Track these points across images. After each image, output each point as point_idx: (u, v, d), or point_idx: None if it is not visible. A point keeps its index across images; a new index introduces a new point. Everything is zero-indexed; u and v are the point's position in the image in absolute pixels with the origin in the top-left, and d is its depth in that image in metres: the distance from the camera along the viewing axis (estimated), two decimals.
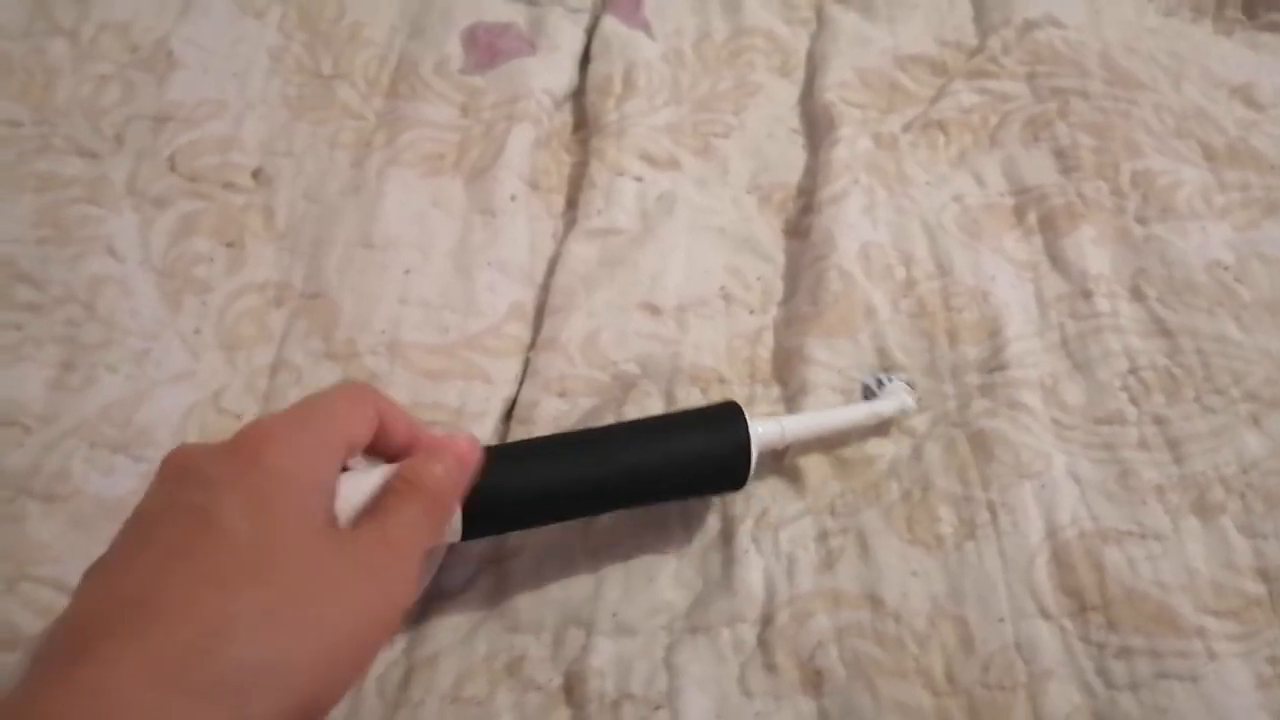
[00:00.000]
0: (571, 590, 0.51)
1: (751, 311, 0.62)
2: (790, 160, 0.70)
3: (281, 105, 0.70)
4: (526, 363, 0.60)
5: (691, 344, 0.60)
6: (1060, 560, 0.51)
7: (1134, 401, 0.56)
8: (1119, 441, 0.55)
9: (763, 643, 0.49)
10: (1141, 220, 0.64)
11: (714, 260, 0.64)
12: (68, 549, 0.51)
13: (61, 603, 0.45)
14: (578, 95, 0.74)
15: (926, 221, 0.65)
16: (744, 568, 0.51)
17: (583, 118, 0.73)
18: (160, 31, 0.71)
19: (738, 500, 0.54)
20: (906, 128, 0.70)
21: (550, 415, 0.57)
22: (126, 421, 0.55)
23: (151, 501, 0.38)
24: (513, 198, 0.66)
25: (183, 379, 0.58)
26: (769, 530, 0.53)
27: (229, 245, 0.63)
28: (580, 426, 0.56)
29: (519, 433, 0.57)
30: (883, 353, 0.59)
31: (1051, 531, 0.52)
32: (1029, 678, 0.48)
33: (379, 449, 0.44)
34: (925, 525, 0.53)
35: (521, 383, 0.59)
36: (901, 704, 0.47)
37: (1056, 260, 0.63)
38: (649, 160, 0.68)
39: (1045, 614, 0.49)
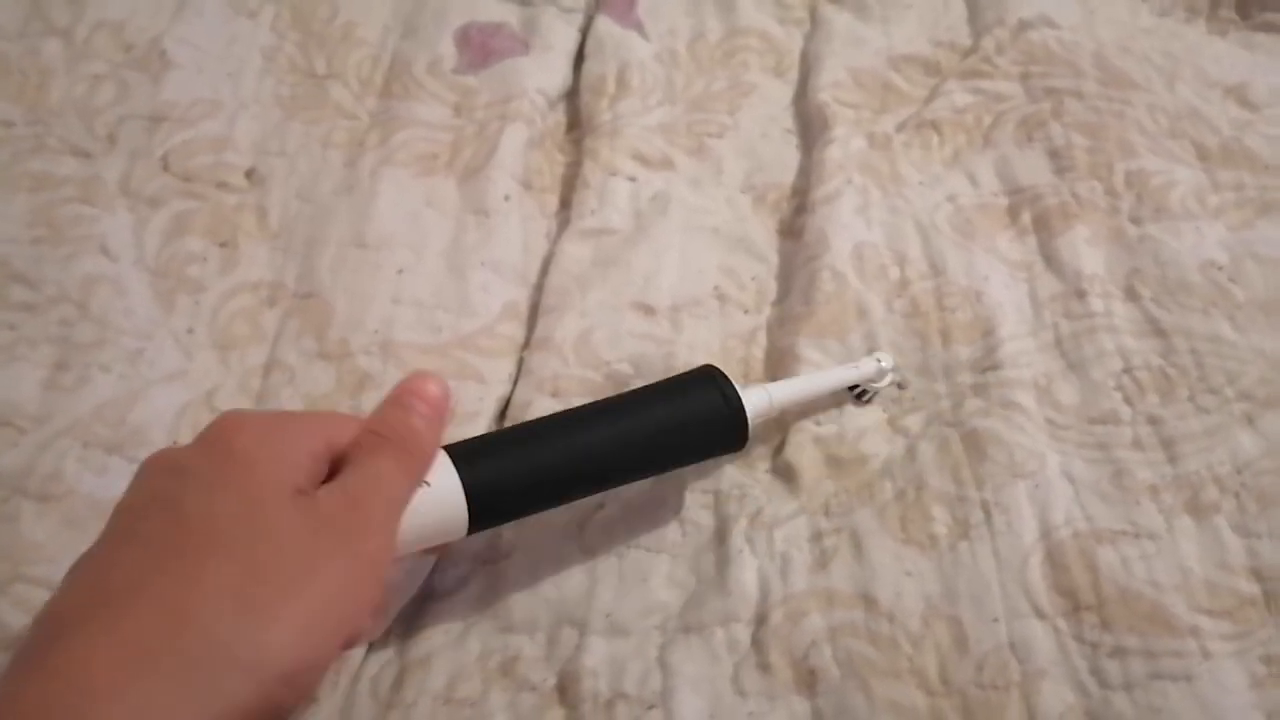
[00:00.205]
0: (565, 590, 0.51)
1: (746, 311, 0.62)
2: (784, 160, 0.70)
3: (275, 105, 0.70)
4: (520, 362, 0.60)
5: (685, 344, 0.60)
6: (1054, 560, 0.51)
7: (1128, 401, 0.57)
8: (1113, 441, 0.55)
9: (756, 642, 0.49)
10: (1135, 220, 0.64)
11: (708, 260, 0.64)
12: (61, 549, 0.51)
13: None
14: (571, 95, 0.74)
15: (920, 221, 0.65)
16: (738, 567, 0.51)
17: (576, 117, 0.72)
18: (154, 31, 0.71)
19: (731, 500, 0.54)
20: (900, 128, 0.70)
21: (544, 415, 0.57)
22: (120, 421, 0.55)
23: (128, 497, 0.39)
24: (506, 198, 0.65)
25: (176, 379, 0.58)
26: (763, 530, 0.53)
27: (222, 245, 0.63)
28: None
29: None
30: (875, 353, 0.59)
31: (1045, 531, 0.52)
32: (1023, 677, 0.48)
33: None
34: (919, 525, 0.53)
35: (515, 382, 0.59)
36: (895, 704, 0.47)
37: (1050, 260, 0.63)
38: (643, 160, 0.68)
39: (1039, 614, 0.49)
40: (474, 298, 0.61)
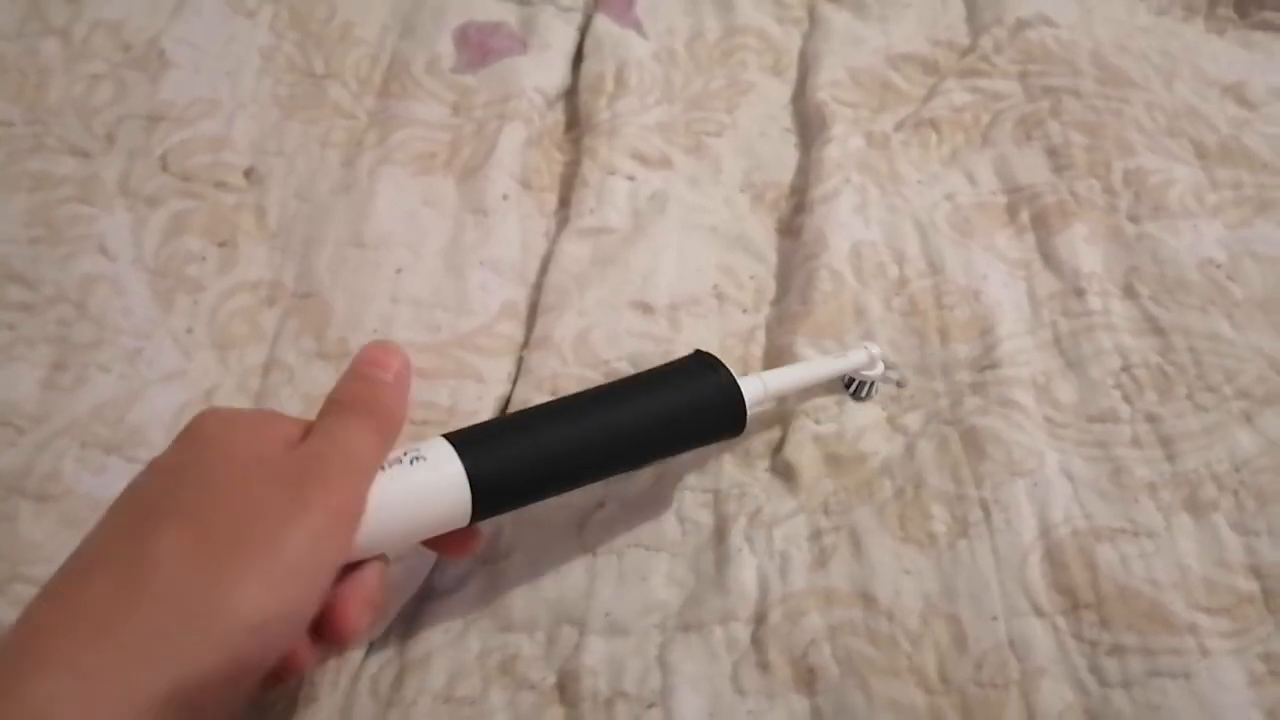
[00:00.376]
0: (564, 589, 0.51)
1: (744, 310, 0.63)
2: (783, 159, 0.70)
3: (273, 104, 0.70)
4: (519, 361, 0.60)
5: (684, 342, 0.60)
6: (1053, 558, 0.51)
7: (1126, 399, 0.57)
8: (1111, 439, 0.55)
9: (756, 641, 0.49)
10: (1134, 218, 0.64)
11: (706, 259, 0.64)
12: (60, 549, 0.50)
13: None
14: (570, 94, 0.74)
15: (918, 220, 0.65)
16: (737, 566, 0.51)
17: (575, 117, 0.72)
18: (152, 31, 0.71)
19: (731, 498, 0.54)
20: (898, 127, 0.70)
21: (543, 402, 0.57)
22: (118, 421, 0.55)
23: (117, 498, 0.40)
24: (505, 197, 0.65)
25: (174, 378, 0.58)
26: (762, 528, 0.53)
27: (221, 244, 0.63)
28: None
29: None
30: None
31: (1044, 529, 0.52)
32: (1022, 675, 0.48)
33: None
34: (918, 523, 0.53)
35: (514, 382, 0.59)
36: (894, 702, 0.47)
37: (1049, 258, 0.63)
38: (641, 159, 0.68)
39: (1038, 612, 0.49)
40: (473, 297, 0.61)
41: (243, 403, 0.57)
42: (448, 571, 0.52)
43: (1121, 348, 0.58)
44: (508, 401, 0.58)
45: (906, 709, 0.47)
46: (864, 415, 0.57)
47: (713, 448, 0.55)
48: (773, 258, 0.65)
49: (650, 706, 0.47)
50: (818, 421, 0.56)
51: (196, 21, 0.73)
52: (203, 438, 0.40)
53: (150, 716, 0.32)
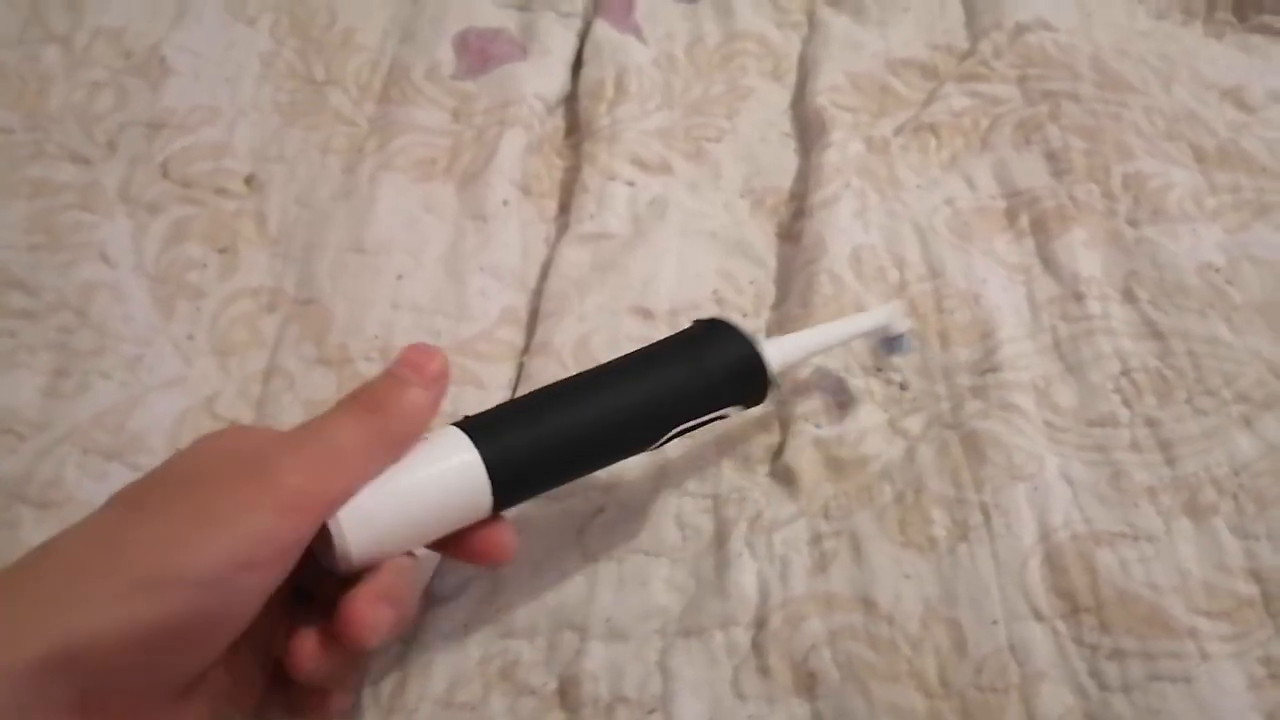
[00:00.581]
0: (565, 594, 0.51)
1: (744, 315, 0.63)
2: (782, 164, 0.70)
3: (273, 111, 0.70)
4: (519, 367, 0.60)
5: None
6: (1053, 562, 0.51)
7: (1126, 403, 0.57)
8: (1111, 443, 0.55)
9: (756, 646, 0.49)
10: (1133, 223, 0.64)
11: (706, 264, 0.64)
12: None
13: None
14: (570, 100, 0.74)
15: (918, 224, 0.65)
16: (737, 571, 0.51)
17: (575, 122, 0.73)
18: (153, 38, 0.72)
19: (730, 503, 0.54)
20: (898, 131, 0.70)
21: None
22: (119, 428, 0.55)
23: None
24: (505, 203, 0.66)
25: (175, 385, 0.58)
26: (762, 533, 0.53)
27: (222, 251, 0.63)
28: None
29: None
30: (875, 354, 0.59)
31: (1044, 534, 0.52)
32: (1022, 680, 0.48)
33: None
34: (918, 528, 0.53)
35: (514, 388, 0.59)
36: (895, 706, 0.47)
37: (1048, 263, 0.63)
38: (641, 165, 0.68)
39: (1038, 616, 0.50)
40: (473, 303, 0.61)
41: (244, 409, 0.57)
42: (448, 577, 0.52)
43: (1121, 352, 0.58)
44: None
45: (907, 713, 0.47)
46: (865, 419, 0.57)
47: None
48: (773, 262, 0.65)
49: (651, 712, 0.47)
50: (818, 425, 0.56)
51: (197, 28, 0.73)
52: (195, 442, 0.40)
53: (34, 679, 0.31)
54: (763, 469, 0.56)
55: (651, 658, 0.49)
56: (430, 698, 0.48)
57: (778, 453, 0.56)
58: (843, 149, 0.68)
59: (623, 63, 0.73)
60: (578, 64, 0.75)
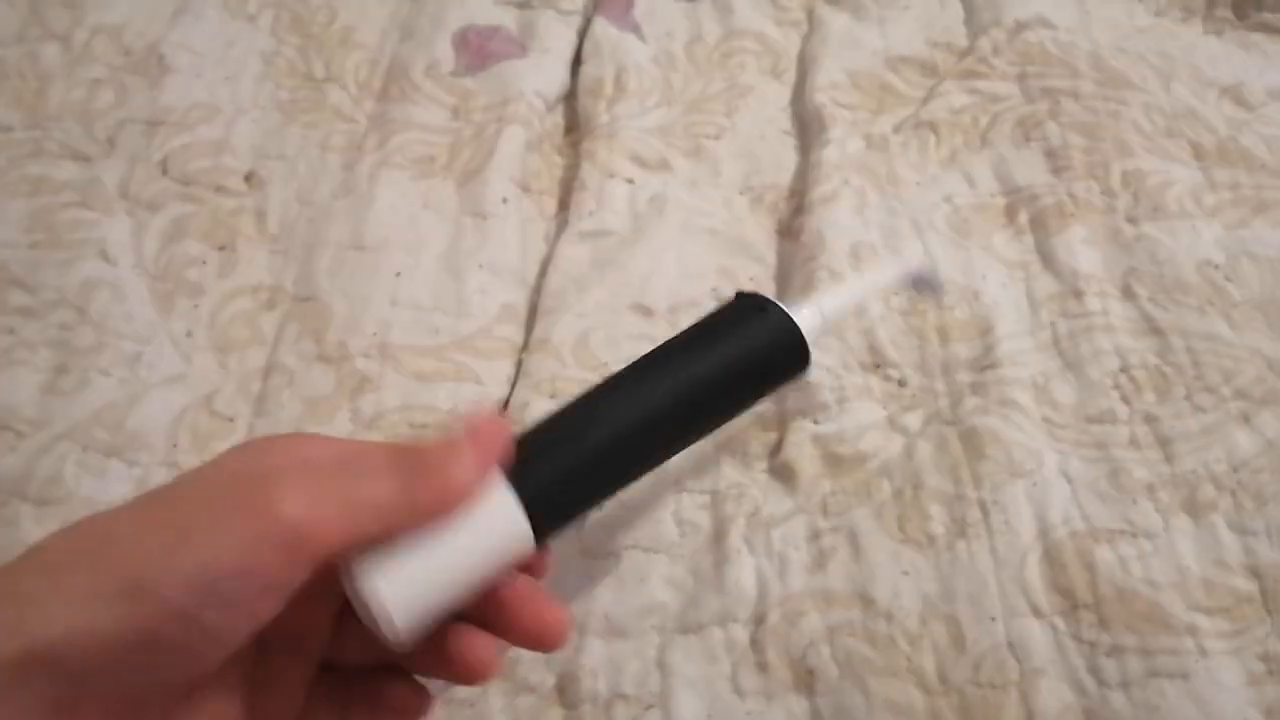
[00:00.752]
0: (563, 591, 0.51)
1: None
2: (782, 161, 0.70)
3: (273, 109, 0.70)
4: (518, 364, 0.60)
5: None
6: (1052, 559, 0.51)
7: (1125, 400, 0.57)
8: (1110, 440, 0.55)
9: (754, 642, 0.49)
10: (1132, 220, 0.64)
11: (706, 261, 0.64)
12: None
13: None
14: (569, 98, 0.74)
15: (917, 222, 0.65)
16: (736, 567, 0.51)
17: (574, 120, 0.73)
18: (152, 36, 0.72)
19: (729, 499, 0.54)
20: (897, 129, 0.70)
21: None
22: (119, 425, 0.55)
23: None
24: (504, 200, 0.66)
25: (175, 382, 0.58)
26: (761, 529, 0.53)
27: (221, 248, 0.63)
28: None
29: None
30: (874, 349, 0.59)
31: (1043, 530, 0.52)
32: (1020, 676, 0.48)
33: None
34: (917, 524, 0.53)
35: (513, 385, 0.59)
36: (893, 703, 0.47)
37: (1047, 260, 0.63)
38: (640, 162, 0.68)
39: (1037, 612, 0.50)
40: (472, 300, 0.61)
41: (242, 407, 0.57)
42: None
43: (1120, 349, 0.58)
44: (506, 405, 0.59)
45: (905, 709, 0.47)
46: (864, 414, 0.57)
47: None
48: (772, 259, 0.65)
49: (649, 708, 0.47)
50: (816, 421, 0.56)
51: (197, 26, 0.73)
52: (225, 452, 0.37)
53: (10, 677, 0.30)
54: (761, 465, 0.56)
55: (650, 654, 0.49)
56: None
57: (776, 449, 0.56)
58: (842, 146, 0.68)
59: (622, 60, 0.73)
60: (577, 61, 0.75)
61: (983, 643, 0.49)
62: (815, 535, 0.53)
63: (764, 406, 0.57)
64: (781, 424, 0.57)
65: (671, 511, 0.54)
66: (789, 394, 0.57)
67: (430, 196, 0.66)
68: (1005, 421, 0.55)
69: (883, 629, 0.49)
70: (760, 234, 0.66)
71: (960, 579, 0.51)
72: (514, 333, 0.61)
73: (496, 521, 0.37)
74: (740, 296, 0.47)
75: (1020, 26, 0.74)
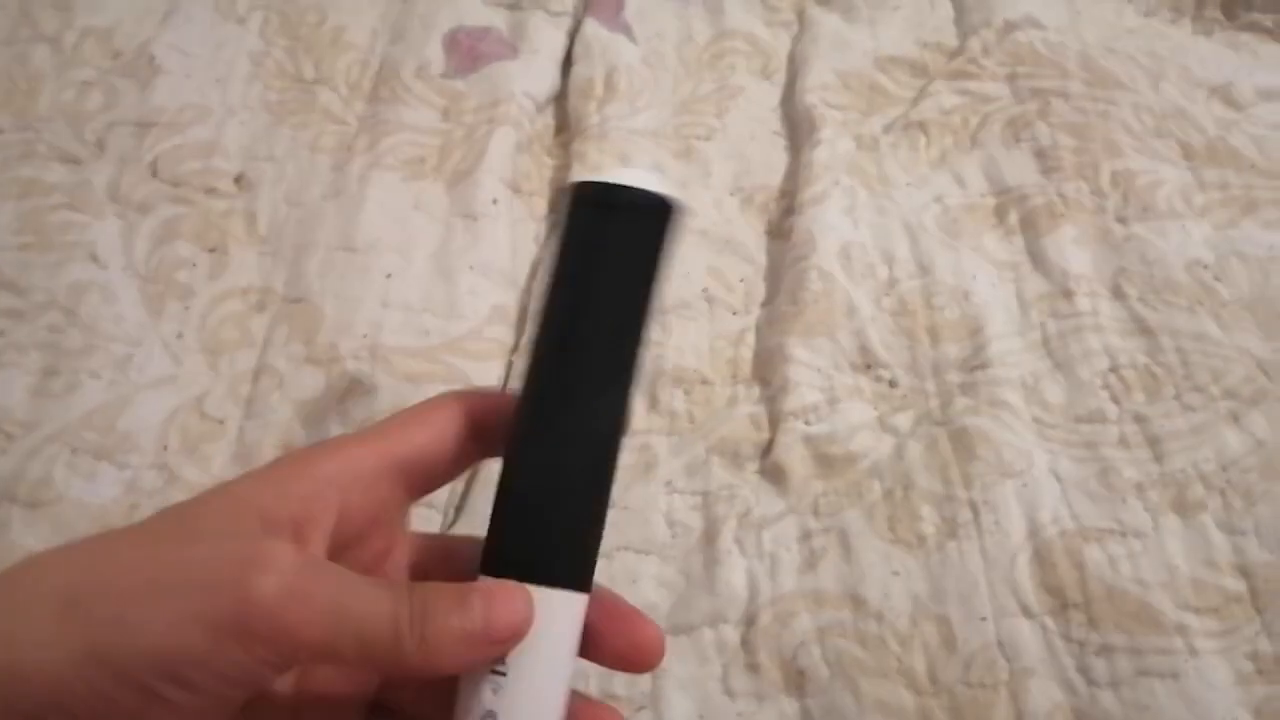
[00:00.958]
0: None
1: (734, 313, 0.63)
2: (772, 162, 0.70)
3: (263, 110, 0.70)
4: (509, 366, 0.60)
5: (674, 346, 0.60)
6: (1042, 559, 0.51)
7: (1114, 400, 0.57)
8: (1100, 440, 0.55)
9: (745, 643, 0.49)
10: (1122, 220, 0.64)
11: (696, 262, 0.64)
12: None
13: None
14: (559, 99, 0.74)
15: (907, 222, 0.65)
16: (727, 568, 0.51)
17: (564, 121, 0.73)
18: (142, 38, 0.72)
19: (720, 500, 0.54)
20: (887, 129, 0.71)
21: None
22: (109, 427, 0.55)
23: None
24: (494, 201, 0.66)
25: (165, 384, 0.58)
26: (752, 530, 0.53)
27: (211, 250, 0.63)
28: None
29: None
30: (865, 350, 0.59)
31: (1033, 530, 0.52)
32: (1010, 676, 0.48)
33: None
34: (907, 525, 0.53)
35: (504, 386, 0.59)
36: (884, 703, 0.47)
37: (1037, 260, 0.63)
38: (630, 163, 0.68)
39: (1027, 612, 0.50)
40: (462, 301, 0.61)
41: (232, 409, 0.57)
42: None
43: (1109, 348, 0.58)
44: None
45: (896, 710, 0.47)
46: (855, 415, 0.57)
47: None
48: (762, 260, 0.65)
49: (640, 709, 0.47)
50: (807, 422, 0.56)
51: (186, 28, 0.73)
52: (236, 480, 0.33)
53: None
54: (752, 466, 0.56)
55: None
56: None
57: (767, 450, 0.56)
58: (832, 147, 0.68)
59: (612, 61, 0.73)
60: (567, 62, 0.75)
61: (973, 643, 0.49)
62: (806, 536, 0.53)
63: (756, 407, 0.57)
64: (773, 425, 0.57)
65: (662, 512, 0.54)
66: (780, 395, 0.57)
67: (421, 198, 0.66)
68: (995, 422, 0.55)
69: (873, 629, 0.49)
70: (750, 234, 0.66)
71: (950, 579, 0.51)
72: (505, 334, 0.61)
73: (545, 624, 0.34)
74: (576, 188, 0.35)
75: (1010, 27, 0.74)
